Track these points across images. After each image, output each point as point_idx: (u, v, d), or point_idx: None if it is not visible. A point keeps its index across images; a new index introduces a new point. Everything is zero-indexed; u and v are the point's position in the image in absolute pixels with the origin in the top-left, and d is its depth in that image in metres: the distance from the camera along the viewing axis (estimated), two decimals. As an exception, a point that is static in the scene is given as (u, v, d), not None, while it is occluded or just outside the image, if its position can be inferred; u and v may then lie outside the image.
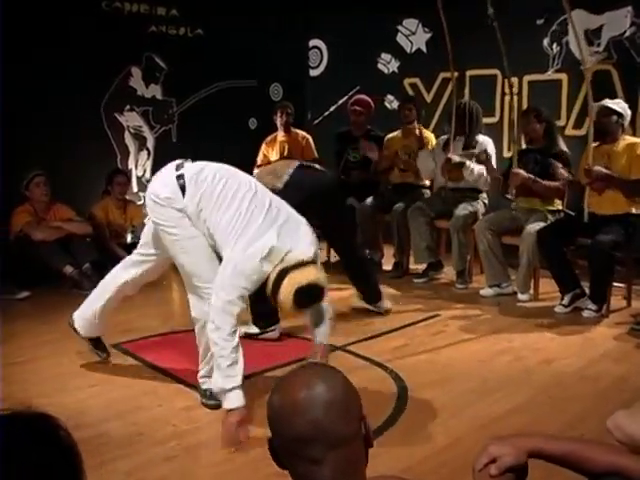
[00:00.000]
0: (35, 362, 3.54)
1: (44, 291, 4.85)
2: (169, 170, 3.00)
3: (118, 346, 3.77)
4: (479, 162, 4.90)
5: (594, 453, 1.34)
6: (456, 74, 6.57)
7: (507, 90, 5.79)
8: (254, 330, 3.84)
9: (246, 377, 2.82)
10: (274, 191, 3.16)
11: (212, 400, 2.97)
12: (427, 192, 5.48)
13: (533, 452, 1.33)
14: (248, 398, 2.74)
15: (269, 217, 2.81)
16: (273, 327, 3.84)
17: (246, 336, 3.66)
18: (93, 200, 5.74)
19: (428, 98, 6.80)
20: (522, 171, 4.51)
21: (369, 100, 5.68)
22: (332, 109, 5.92)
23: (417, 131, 5.43)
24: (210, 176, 2.92)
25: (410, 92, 7.00)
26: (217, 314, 2.71)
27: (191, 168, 2.96)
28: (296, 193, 3.46)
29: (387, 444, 2.56)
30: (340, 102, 5.86)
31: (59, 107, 5.74)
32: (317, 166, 4.26)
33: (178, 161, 3.04)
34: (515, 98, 5.35)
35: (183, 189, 2.89)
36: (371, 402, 2.87)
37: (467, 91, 6.60)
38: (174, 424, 2.82)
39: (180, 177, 2.92)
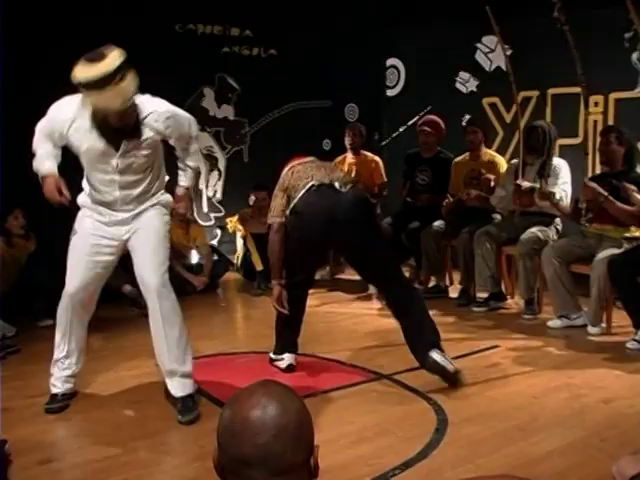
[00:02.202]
0: (84, 377, 3.71)
1: (104, 309, 5.06)
2: None
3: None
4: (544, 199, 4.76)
5: None
6: (537, 93, 6.55)
7: (590, 109, 5.65)
8: (271, 354, 3.89)
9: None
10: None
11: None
12: (497, 216, 5.38)
13: None
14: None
15: None
16: (283, 356, 3.82)
17: (270, 360, 3.85)
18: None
19: (507, 118, 6.70)
20: (595, 184, 4.36)
21: (439, 121, 5.67)
22: (401, 130, 5.92)
23: (484, 155, 5.35)
24: None
25: (489, 112, 6.95)
26: None
27: None
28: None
29: (412, 478, 2.53)
30: (410, 123, 5.85)
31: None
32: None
33: None
34: (592, 117, 5.17)
35: None
36: (407, 434, 2.92)
37: (549, 111, 6.48)
38: (201, 445, 2.88)
39: None
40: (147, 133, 3.09)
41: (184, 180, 3.41)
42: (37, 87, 5.09)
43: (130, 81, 2.91)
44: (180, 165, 3.39)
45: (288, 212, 3.69)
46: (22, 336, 4.36)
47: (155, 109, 3.11)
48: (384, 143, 6.05)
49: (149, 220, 3.24)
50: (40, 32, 5.28)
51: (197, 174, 3.55)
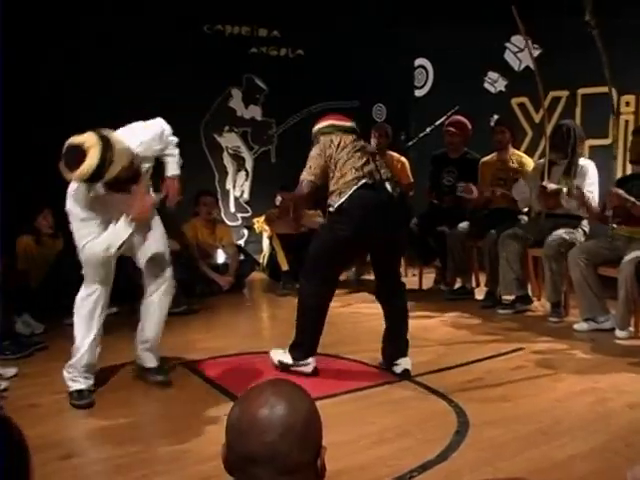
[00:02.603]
0: (106, 374, 3.77)
1: (132, 307, 5.12)
2: None
3: (187, 364, 3.94)
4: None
5: None
6: (566, 93, 6.48)
7: (622, 108, 5.58)
8: (288, 360, 3.71)
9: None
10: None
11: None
12: (524, 218, 5.33)
13: None
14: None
15: None
16: (308, 360, 3.67)
17: (280, 365, 3.71)
18: (188, 220, 6.02)
19: (537, 118, 6.64)
20: (621, 191, 4.30)
21: (465, 121, 5.63)
22: (428, 130, 5.90)
23: (511, 156, 5.29)
24: None
25: (518, 112, 6.90)
26: None
27: None
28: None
29: (430, 481, 2.53)
30: (437, 123, 5.83)
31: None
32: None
33: None
34: (624, 117, 5.10)
35: None
36: (427, 436, 2.91)
37: (578, 111, 6.41)
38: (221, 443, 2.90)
39: None
40: (143, 165, 3.29)
41: (174, 168, 3.53)
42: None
43: (119, 152, 3.01)
44: (165, 155, 3.50)
45: (333, 209, 3.53)
46: (50, 333, 4.43)
47: (132, 147, 3.17)
48: (410, 143, 6.02)
49: None
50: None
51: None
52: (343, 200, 3.47)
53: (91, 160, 2.92)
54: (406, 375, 3.66)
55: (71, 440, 2.93)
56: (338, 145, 3.62)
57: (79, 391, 3.33)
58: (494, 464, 2.70)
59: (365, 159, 3.61)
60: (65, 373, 3.39)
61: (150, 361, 3.63)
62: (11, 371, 3.62)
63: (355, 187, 3.47)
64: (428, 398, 3.41)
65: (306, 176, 3.64)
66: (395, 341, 3.79)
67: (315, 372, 3.68)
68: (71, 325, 4.52)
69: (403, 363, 3.71)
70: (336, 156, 3.58)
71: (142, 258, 3.55)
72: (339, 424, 3.07)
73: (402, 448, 2.83)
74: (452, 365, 3.89)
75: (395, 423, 3.08)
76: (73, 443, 2.90)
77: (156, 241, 3.58)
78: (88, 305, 3.36)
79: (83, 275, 3.47)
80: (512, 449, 2.84)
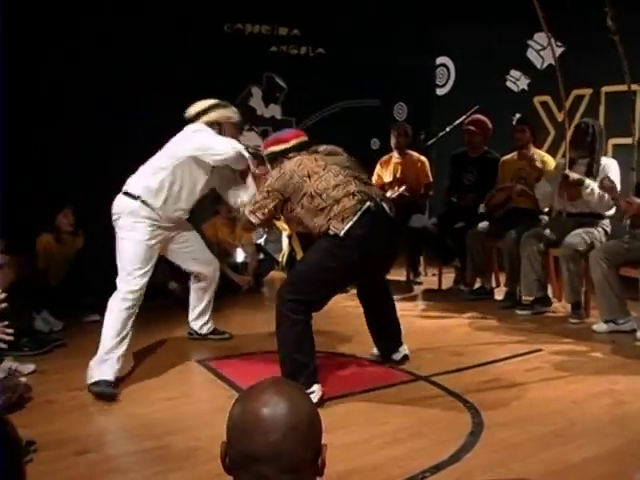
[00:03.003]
0: (123, 371, 3.81)
1: (149, 305, 5.18)
2: None
3: (203, 362, 3.98)
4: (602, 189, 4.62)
5: None
6: (590, 91, 6.42)
7: None
8: None
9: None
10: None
11: None
12: (545, 218, 5.29)
13: None
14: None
15: None
16: (313, 388, 3.25)
17: None
18: (208, 218, 6.06)
19: (559, 117, 6.58)
20: (638, 200, 4.25)
21: (485, 120, 5.62)
22: (448, 129, 5.88)
23: (532, 154, 5.26)
24: None
25: (540, 111, 6.85)
26: None
27: None
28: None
29: (442, 482, 2.53)
30: (457, 122, 5.81)
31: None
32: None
33: None
34: None
35: None
36: (441, 436, 2.91)
37: (602, 109, 6.35)
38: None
39: None
40: None
41: None
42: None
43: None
44: None
45: (335, 233, 3.28)
46: (68, 330, 4.49)
47: None
48: (430, 142, 6.00)
49: None
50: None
51: None
52: (350, 226, 3.27)
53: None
54: (405, 359, 3.88)
55: (87, 436, 2.96)
56: (309, 176, 3.41)
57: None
58: (507, 465, 2.69)
59: (350, 178, 3.44)
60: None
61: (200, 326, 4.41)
62: (29, 367, 3.68)
63: (359, 213, 3.29)
64: (443, 398, 3.41)
65: (256, 218, 3.57)
66: (390, 333, 3.90)
67: (321, 400, 3.27)
68: (90, 323, 4.64)
69: (401, 350, 3.90)
70: (311, 189, 3.38)
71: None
72: (352, 424, 3.10)
73: (415, 448, 2.84)
74: (468, 366, 3.88)
75: (408, 423, 3.09)
76: (89, 439, 2.93)
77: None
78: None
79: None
80: (526, 450, 2.83)
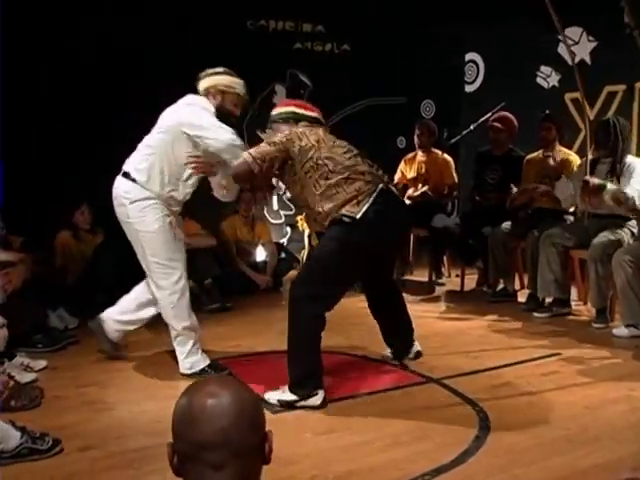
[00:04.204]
0: (134, 370, 3.89)
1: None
2: None
3: (214, 362, 4.02)
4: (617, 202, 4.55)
5: None
6: (623, 87, 6.32)
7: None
8: (291, 397, 3.30)
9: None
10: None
11: None
12: (570, 218, 5.23)
13: None
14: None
15: None
16: (315, 391, 3.26)
17: (281, 403, 3.29)
18: (227, 217, 6.12)
19: (591, 114, 6.49)
20: None
21: (511, 117, 5.58)
22: (472, 127, 5.86)
23: (557, 153, 5.20)
24: None
25: (571, 108, 6.76)
26: None
27: None
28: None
29: (443, 486, 2.54)
30: (482, 119, 5.78)
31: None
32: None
33: None
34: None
35: None
36: (445, 440, 2.91)
37: (636, 105, 6.25)
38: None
39: None
40: None
41: None
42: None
43: None
44: None
45: (349, 219, 3.22)
46: (83, 328, 4.56)
47: None
48: (454, 141, 5.97)
49: None
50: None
51: None
52: (366, 208, 3.22)
53: None
54: (419, 356, 3.91)
55: (91, 432, 3.03)
56: (319, 143, 3.36)
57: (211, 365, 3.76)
58: (510, 471, 2.68)
59: (357, 158, 3.41)
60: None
61: None
62: (41, 364, 3.77)
63: (374, 195, 3.25)
64: (452, 401, 3.41)
65: (252, 159, 3.31)
66: (401, 332, 3.91)
67: (324, 403, 3.28)
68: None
69: (413, 348, 3.92)
70: (318, 155, 3.32)
71: None
72: (355, 425, 3.12)
73: (417, 451, 2.84)
74: (482, 369, 3.87)
75: (413, 426, 3.09)
76: (93, 436, 2.99)
77: None
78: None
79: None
80: (532, 456, 2.81)
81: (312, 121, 3.60)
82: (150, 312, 3.91)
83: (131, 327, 3.98)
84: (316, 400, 3.26)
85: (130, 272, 5.08)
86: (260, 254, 6.10)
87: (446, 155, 6.09)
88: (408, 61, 7.10)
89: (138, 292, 3.95)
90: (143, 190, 3.63)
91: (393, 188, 3.48)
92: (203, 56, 6.10)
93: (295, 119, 3.58)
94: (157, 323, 5.00)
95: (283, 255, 6.36)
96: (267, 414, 3.22)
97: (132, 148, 5.11)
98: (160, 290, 3.70)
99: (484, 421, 3.14)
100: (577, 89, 6.50)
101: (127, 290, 4.09)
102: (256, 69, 6.46)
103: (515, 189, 5.26)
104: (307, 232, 6.41)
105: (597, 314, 4.70)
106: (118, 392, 3.57)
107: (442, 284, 6.11)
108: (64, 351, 4.19)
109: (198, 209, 5.88)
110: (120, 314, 3.95)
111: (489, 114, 5.76)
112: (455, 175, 6.13)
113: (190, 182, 3.73)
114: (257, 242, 6.02)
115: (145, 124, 4.65)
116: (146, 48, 5.71)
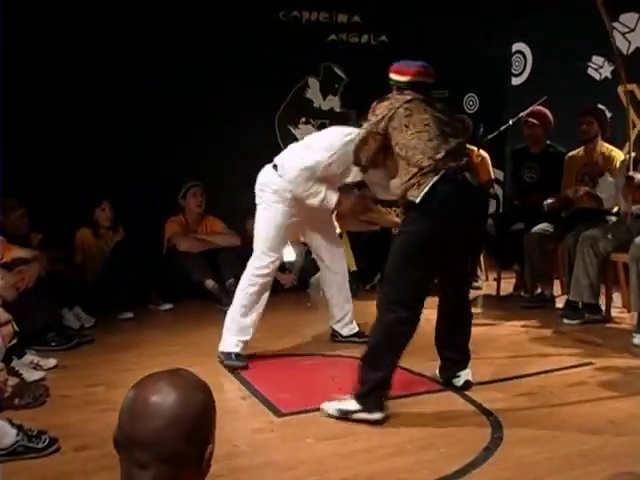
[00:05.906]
0: (144, 371, 3.97)
1: (187, 304, 5.39)
2: None
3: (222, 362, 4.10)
4: None
5: None
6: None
7: None
8: (354, 406, 3.23)
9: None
10: None
11: None
12: (612, 219, 5.13)
13: None
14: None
15: None
16: (381, 405, 3.25)
17: (339, 413, 3.25)
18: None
19: (644, 108, 6.36)
20: None
21: (546, 112, 5.50)
22: (511, 122, 5.79)
23: (599, 149, 5.11)
24: None
25: (624, 101, 6.62)
26: None
27: None
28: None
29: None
30: (521, 115, 5.71)
31: (233, 122, 6.30)
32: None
33: None
34: None
35: None
36: (452, 450, 2.92)
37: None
38: (235, 444, 3.02)
39: None
40: None
41: None
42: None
43: None
44: None
45: (414, 202, 3.20)
46: (99, 327, 4.72)
47: None
48: (490, 137, 5.91)
49: None
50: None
51: None
52: (424, 193, 3.15)
53: None
54: (468, 386, 3.62)
55: (90, 432, 3.12)
56: (406, 125, 3.36)
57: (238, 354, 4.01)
58: (516, 486, 2.67)
59: (444, 136, 3.33)
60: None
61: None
62: (51, 362, 3.90)
63: (437, 177, 3.16)
64: (466, 411, 3.39)
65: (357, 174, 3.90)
66: (459, 351, 3.67)
67: (385, 419, 3.24)
68: (123, 320, 4.89)
69: (463, 375, 3.65)
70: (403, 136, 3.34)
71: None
72: (361, 432, 3.14)
73: (420, 461, 2.85)
74: (505, 377, 3.84)
75: (421, 434, 3.10)
76: (90, 435, 3.08)
77: None
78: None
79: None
80: (540, 470, 2.79)
81: (412, 87, 3.70)
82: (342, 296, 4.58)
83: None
84: (379, 415, 3.22)
85: (147, 270, 5.23)
86: (288, 254, 6.13)
87: (482, 151, 6.03)
88: (450, 52, 7.03)
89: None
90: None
91: (467, 174, 3.28)
92: (233, 48, 6.24)
93: (396, 87, 3.76)
94: (175, 322, 5.18)
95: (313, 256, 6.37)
96: (271, 417, 3.35)
97: (139, 147, 5.26)
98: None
99: (497, 432, 3.12)
100: (632, 81, 6.47)
101: (144, 289, 4.23)
102: (288, 62, 6.54)
103: (550, 200, 5.19)
104: (337, 231, 6.41)
105: (638, 319, 4.59)
106: (125, 393, 3.65)
107: (478, 287, 6.05)
108: (77, 350, 4.32)
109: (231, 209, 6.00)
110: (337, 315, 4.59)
111: (530, 108, 5.68)
112: (492, 171, 6.06)
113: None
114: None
115: (149, 123, 4.79)
116: (161, 48, 5.88)
